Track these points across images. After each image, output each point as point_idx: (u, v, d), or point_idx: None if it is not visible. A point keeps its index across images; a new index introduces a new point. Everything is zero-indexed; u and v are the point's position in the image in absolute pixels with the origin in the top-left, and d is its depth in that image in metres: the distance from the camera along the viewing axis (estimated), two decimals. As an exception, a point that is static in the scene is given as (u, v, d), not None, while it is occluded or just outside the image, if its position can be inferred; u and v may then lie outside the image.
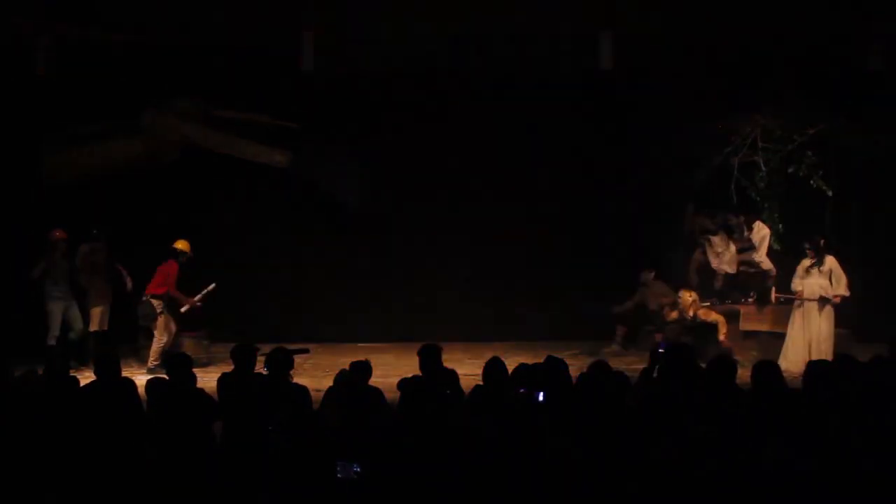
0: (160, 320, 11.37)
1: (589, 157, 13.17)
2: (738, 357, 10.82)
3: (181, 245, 11.61)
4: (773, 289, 11.69)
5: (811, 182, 11.86)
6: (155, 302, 11.44)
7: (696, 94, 12.67)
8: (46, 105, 12.59)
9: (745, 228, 12.23)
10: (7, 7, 11.75)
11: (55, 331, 11.37)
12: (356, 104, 13.33)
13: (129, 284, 11.83)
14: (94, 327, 11.64)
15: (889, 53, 12.41)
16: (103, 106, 12.71)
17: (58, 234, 11.54)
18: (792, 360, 10.82)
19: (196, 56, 12.71)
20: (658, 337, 11.70)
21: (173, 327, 11.48)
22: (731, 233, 12.30)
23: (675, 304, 12.00)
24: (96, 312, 11.66)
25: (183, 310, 11.56)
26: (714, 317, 11.66)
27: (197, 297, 11.60)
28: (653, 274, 12.66)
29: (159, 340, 11.33)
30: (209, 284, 11.63)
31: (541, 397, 6.14)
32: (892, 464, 4.74)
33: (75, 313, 11.51)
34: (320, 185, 12.71)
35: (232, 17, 12.88)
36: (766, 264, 12.17)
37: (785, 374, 9.71)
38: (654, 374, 6.68)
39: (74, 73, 12.66)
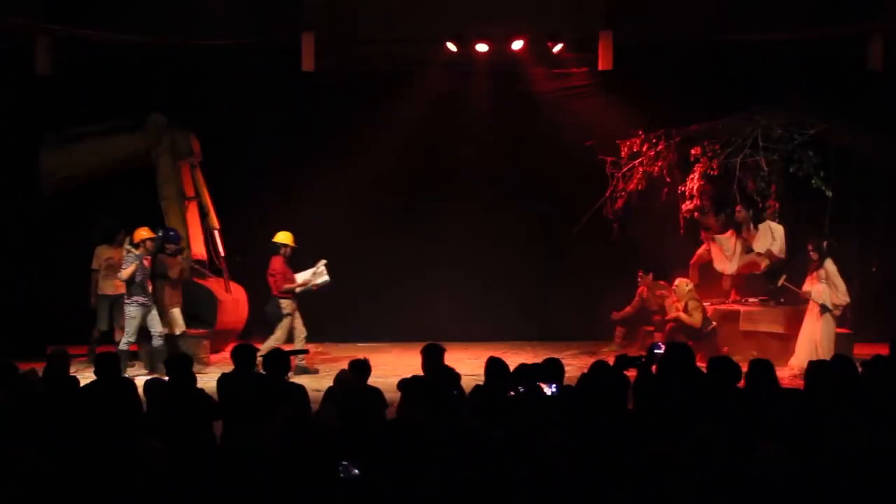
0: (284, 321, 11.33)
1: (588, 157, 13.14)
2: (738, 357, 10.89)
3: (280, 238, 11.49)
4: (784, 276, 11.66)
5: (812, 182, 11.84)
6: (283, 302, 11.37)
7: (696, 93, 12.67)
8: (46, 105, 12.60)
9: (751, 224, 12.15)
10: (7, 7, 11.75)
11: (132, 336, 10.99)
12: (356, 104, 13.33)
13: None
14: (177, 330, 11.43)
15: (889, 53, 12.41)
16: (104, 106, 12.74)
17: (143, 232, 11.25)
18: (799, 359, 10.82)
19: (196, 56, 12.72)
20: (657, 337, 11.69)
21: (300, 327, 11.44)
22: (738, 229, 12.24)
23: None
24: (176, 314, 11.48)
25: (298, 290, 11.41)
26: (701, 307, 11.62)
27: (303, 276, 11.48)
28: (650, 276, 12.64)
29: (276, 339, 11.26)
30: (318, 262, 11.54)
31: (553, 390, 6.16)
32: (892, 464, 4.74)
33: (156, 317, 11.16)
34: None
35: (232, 17, 12.91)
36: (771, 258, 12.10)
37: (797, 374, 9.84)
38: (651, 372, 6.68)
39: (74, 73, 12.68)
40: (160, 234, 11.42)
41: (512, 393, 6.33)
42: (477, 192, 13.67)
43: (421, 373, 7.02)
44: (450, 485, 4.72)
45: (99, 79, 12.88)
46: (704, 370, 6.54)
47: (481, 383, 6.65)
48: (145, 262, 11.09)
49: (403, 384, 6.71)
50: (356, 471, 4.72)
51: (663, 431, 5.18)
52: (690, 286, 11.79)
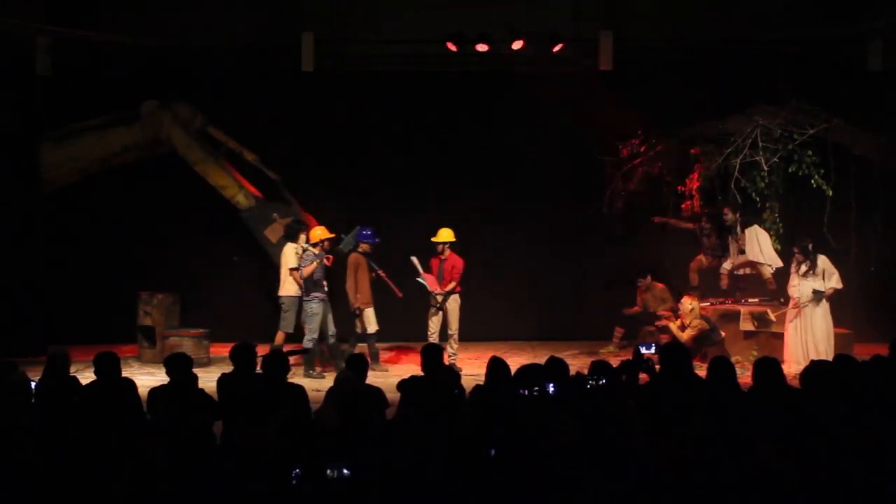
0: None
1: (588, 157, 13.16)
2: (738, 357, 10.89)
3: (442, 236, 11.65)
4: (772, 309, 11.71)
5: (812, 182, 11.85)
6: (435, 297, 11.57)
7: (696, 93, 12.68)
8: (47, 106, 12.61)
9: (739, 226, 12.16)
10: (7, 8, 11.76)
11: (316, 332, 11.15)
12: (356, 104, 13.33)
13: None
14: (370, 328, 11.56)
15: (889, 53, 12.42)
16: (104, 107, 12.75)
17: (320, 231, 11.37)
18: (789, 361, 10.78)
19: (197, 56, 12.73)
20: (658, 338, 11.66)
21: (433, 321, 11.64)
22: (728, 231, 12.25)
23: (675, 310, 11.95)
24: (369, 313, 11.57)
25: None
26: (701, 326, 11.39)
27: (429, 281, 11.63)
28: (649, 278, 12.63)
29: (453, 328, 11.48)
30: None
31: (550, 389, 6.15)
32: (892, 464, 4.74)
33: (330, 317, 11.36)
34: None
35: (232, 17, 12.92)
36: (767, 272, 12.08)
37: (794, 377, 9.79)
38: (634, 372, 6.69)
39: (74, 74, 12.68)
40: (354, 233, 11.64)
41: (525, 392, 6.29)
42: (475, 193, 13.64)
43: (420, 373, 7.03)
44: (450, 484, 4.73)
45: (99, 79, 12.88)
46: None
47: (481, 383, 6.65)
48: (326, 262, 11.31)
49: (403, 384, 6.71)
50: (346, 471, 4.71)
51: (662, 431, 5.19)
52: (694, 305, 11.40)
